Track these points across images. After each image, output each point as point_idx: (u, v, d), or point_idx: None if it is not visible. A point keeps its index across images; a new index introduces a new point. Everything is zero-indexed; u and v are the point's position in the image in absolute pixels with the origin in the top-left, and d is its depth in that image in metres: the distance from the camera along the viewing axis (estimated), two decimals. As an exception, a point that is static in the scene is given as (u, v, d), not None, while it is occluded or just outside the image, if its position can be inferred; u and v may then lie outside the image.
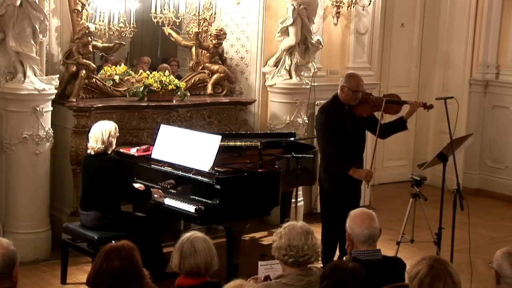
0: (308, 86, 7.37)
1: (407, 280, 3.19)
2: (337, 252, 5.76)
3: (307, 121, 7.44)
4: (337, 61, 7.96)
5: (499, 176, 9.10)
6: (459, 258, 5.89)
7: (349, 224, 3.78)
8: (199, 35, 7.21)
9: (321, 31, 7.63)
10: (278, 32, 7.24)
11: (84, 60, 6.41)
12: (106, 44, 6.81)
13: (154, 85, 6.70)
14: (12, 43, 5.84)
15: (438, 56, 9.42)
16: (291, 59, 7.22)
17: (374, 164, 6.01)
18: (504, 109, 9.04)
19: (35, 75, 5.94)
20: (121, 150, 6.14)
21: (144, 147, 6.21)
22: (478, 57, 9.11)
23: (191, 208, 5.47)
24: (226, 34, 7.21)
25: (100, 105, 6.37)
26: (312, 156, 6.40)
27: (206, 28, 7.24)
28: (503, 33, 9.05)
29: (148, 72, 7.04)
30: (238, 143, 6.21)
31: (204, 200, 5.50)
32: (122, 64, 7.18)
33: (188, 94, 6.96)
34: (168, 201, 5.65)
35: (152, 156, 6.00)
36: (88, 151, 5.56)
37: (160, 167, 5.89)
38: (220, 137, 5.71)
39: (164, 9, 6.81)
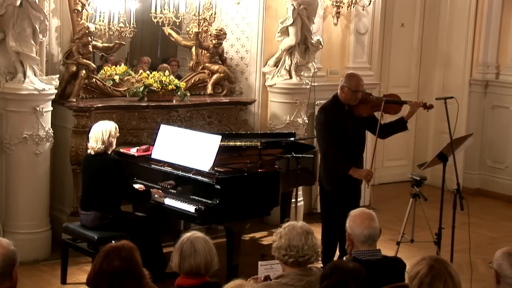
0: (308, 86, 7.37)
1: (407, 280, 3.19)
2: (337, 252, 5.76)
3: (307, 121, 7.44)
4: (337, 61, 7.97)
5: (499, 176, 9.10)
6: (459, 258, 5.89)
7: (349, 224, 3.78)
8: (199, 35, 7.21)
9: (321, 31, 7.63)
10: (278, 32, 7.24)
11: (84, 60, 6.41)
12: (106, 44, 6.81)
13: (154, 85, 6.70)
14: (12, 43, 5.84)
15: (438, 56, 9.42)
16: (291, 59, 7.22)
17: (374, 164, 6.01)
18: (504, 109, 9.04)
19: (35, 75, 5.94)
20: (121, 150, 6.14)
21: (144, 147, 6.21)
22: (478, 57, 9.11)
23: (191, 208, 5.47)
24: (226, 34, 7.21)
25: (100, 105, 6.37)
26: (312, 156, 6.40)
27: (206, 28, 7.24)
28: (503, 33, 9.05)
29: (148, 72, 7.05)
30: (238, 143, 6.21)
31: (204, 200, 5.50)
32: (122, 64, 7.18)
33: (188, 94, 6.96)
34: (168, 201, 5.65)
35: (152, 156, 6.00)
36: (88, 151, 5.56)
37: (160, 167, 5.89)
38: (220, 137, 5.71)
39: (164, 9, 6.81)
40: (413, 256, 5.33)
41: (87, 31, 6.38)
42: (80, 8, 6.43)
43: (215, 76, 7.30)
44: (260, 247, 6.73)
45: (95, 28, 6.59)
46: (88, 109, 6.26)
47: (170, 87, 6.77)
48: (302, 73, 7.35)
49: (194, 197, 5.58)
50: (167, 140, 5.95)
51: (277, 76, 7.27)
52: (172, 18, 6.86)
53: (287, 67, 7.22)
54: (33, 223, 6.09)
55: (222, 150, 5.73)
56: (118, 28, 6.76)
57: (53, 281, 5.72)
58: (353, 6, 7.76)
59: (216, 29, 7.16)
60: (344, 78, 5.68)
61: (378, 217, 3.83)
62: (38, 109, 5.97)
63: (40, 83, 5.94)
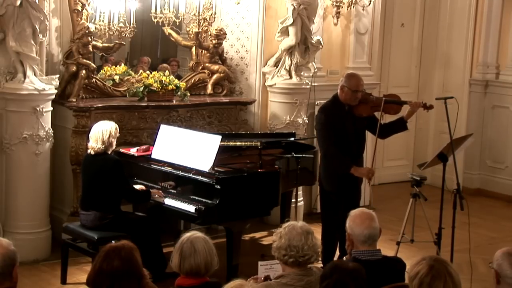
0: (308, 86, 7.37)
1: (407, 280, 3.19)
2: (337, 252, 5.76)
3: (307, 121, 7.44)
4: (337, 61, 7.96)
5: (499, 176, 9.10)
6: (459, 258, 5.89)
7: (349, 224, 3.78)
8: (199, 35, 7.21)
9: (321, 31, 7.63)
10: (278, 32, 7.24)
11: (84, 60, 6.41)
12: (106, 44, 6.81)
13: (154, 85, 6.70)
14: (12, 43, 5.84)
15: (438, 56, 9.42)
16: (291, 59, 7.22)
17: (374, 164, 6.01)
18: (504, 109, 9.04)
19: (35, 75, 5.94)
20: (121, 150, 6.14)
21: (144, 147, 6.21)
22: (478, 57, 9.11)
23: (191, 208, 5.47)
24: (226, 34, 7.21)
25: (100, 105, 6.37)
26: (312, 156, 6.40)
27: (206, 28, 7.24)
28: (503, 33, 9.05)
29: (148, 72, 7.04)
30: (238, 143, 6.21)
31: (204, 200, 5.50)
32: (122, 64, 7.18)
33: (188, 94, 6.96)
34: (168, 201, 5.65)
35: (152, 156, 6.00)
36: (88, 151, 5.56)
37: (160, 167, 5.89)
38: (220, 137, 5.71)
39: (164, 9, 6.81)
40: (413, 256, 5.33)
41: (87, 31, 6.38)
42: (80, 8, 6.43)
43: (215, 76, 7.30)
44: (260, 247, 6.73)
45: (95, 28, 6.59)
46: (88, 109, 6.26)
47: (170, 87, 6.77)
48: (302, 73, 7.35)
49: (194, 197, 5.58)
50: (167, 140, 5.95)
51: (277, 76, 7.27)
52: (172, 18, 6.86)
53: (287, 67, 7.22)
54: (33, 223, 6.09)
55: (222, 150, 5.73)
56: (118, 28, 6.76)
57: (53, 281, 5.72)
58: (353, 6, 7.76)
59: (216, 29, 7.16)
60: (344, 78, 5.68)
61: (378, 217, 3.83)
62: (38, 109, 5.97)
63: (40, 83, 5.94)
